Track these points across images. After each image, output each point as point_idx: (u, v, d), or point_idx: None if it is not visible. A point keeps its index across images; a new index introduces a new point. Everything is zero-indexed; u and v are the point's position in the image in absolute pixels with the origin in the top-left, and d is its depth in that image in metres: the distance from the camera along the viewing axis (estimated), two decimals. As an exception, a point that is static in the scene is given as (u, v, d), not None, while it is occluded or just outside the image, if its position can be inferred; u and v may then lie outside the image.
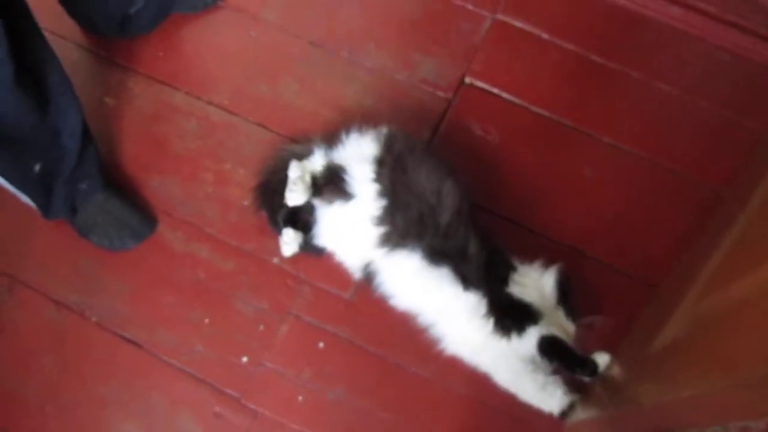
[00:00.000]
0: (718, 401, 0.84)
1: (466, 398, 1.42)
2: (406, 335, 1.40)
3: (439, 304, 1.36)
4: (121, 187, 1.55)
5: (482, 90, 1.64)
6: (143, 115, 1.63)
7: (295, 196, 1.38)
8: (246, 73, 1.66)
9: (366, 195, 1.36)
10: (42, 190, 1.43)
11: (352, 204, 1.37)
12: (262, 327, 1.46)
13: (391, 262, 1.35)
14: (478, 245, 1.35)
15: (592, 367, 1.31)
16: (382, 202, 1.35)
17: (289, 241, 1.43)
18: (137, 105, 1.64)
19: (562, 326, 1.36)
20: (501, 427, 1.42)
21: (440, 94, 1.63)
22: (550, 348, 1.31)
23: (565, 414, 1.34)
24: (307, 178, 1.40)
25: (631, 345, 1.32)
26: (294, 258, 1.47)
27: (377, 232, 1.35)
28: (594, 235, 1.54)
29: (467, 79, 1.64)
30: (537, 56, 1.67)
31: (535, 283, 1.39)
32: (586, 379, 1.34)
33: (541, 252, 1.44)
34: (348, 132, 1.43)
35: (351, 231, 1.39)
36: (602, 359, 1.32)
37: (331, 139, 1.46)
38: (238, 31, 1.70)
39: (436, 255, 1.33)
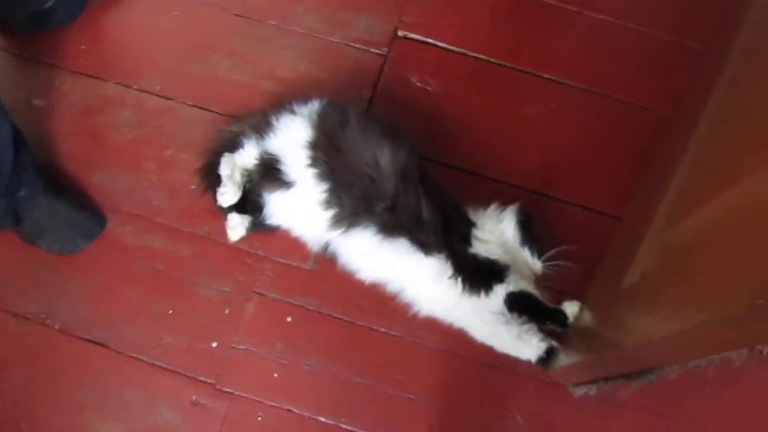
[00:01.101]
0: (696, 337, 0.83)
1: (439, 351, 1.43)
2: (372, 298, 1.41)
3: (405, 273, 1.35)
4: (63, 187, 1.50)
5: (417, 41, 1.62)
6: (75, 111, 1.58)
7: (226, 197, 1.37)
8: (175, 54, 1.62)
9: (306, 181, 1.34)
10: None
11: (294, 191, 1.35)
12: (227, 309, 1.45)
13: (347, 241, 1.34)
14: (431, 208, 1.34)
15: (561, 318, 1.33)
16: (324, 186, 1.33)
17: (234, 226, 1.43)
18: (68, 102, 1.58)
19: (529, 267, 1.38)
20: (476, 375, 1.43)
21: (375, 50, 1.61)
22: (517, 304, 1.32)
23: (543, 361, 1.36)
24: (237, 176, 1.38)
25: (602, 285, 1.33)
26: (250, 235, 1.46)
27: (326, 215, 1.34)
28: (551, 175, 1.54)
29: (400, 32, 1.62)
30: (468, 0, 1.65)
31: (496, 234, 1.39)
32: (559, 329, 1.35)
33: (500, 198, 1.44)
34: (277, 115, 1.39)
35: (300, 215, 1.38)
36: (571, 309, 1.34)
37: (273, 112, 1.42)
38: (160, 12, 1.65)
39: (389, 228, 1.32)
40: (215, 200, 1.41)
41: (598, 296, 1.32)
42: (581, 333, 1.32)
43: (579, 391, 1.38)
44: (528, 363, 1.38)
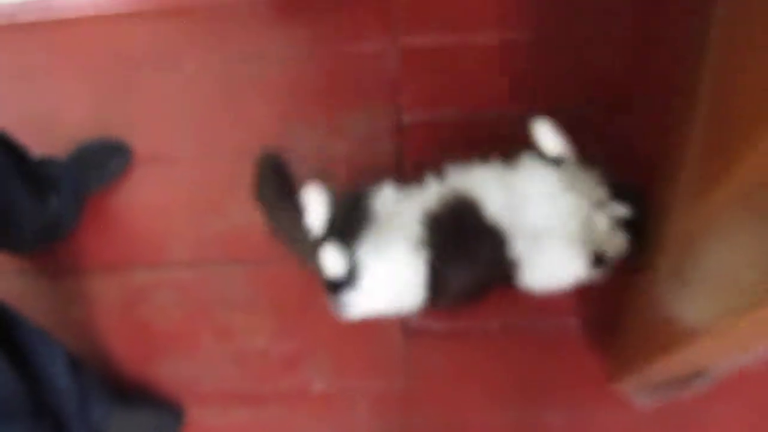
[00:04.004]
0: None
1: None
2: None
3: None
4: (131, 392, 1.45)
5: (424, 121, 1.58)
6: (115, 309, 1.52)
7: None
8: (191, 219, 1.57)
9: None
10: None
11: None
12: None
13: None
14: None
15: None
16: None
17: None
18: (104, 303, 1.53)
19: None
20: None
21: (385, 146, 1.56)
22: None
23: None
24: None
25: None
26: (330, 375, 1.40)
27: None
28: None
29: (404, 118, 1.58)
30: (454, 62, 1.62)
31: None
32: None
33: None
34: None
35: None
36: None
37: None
38: (162, 181, 1.61)
39: None
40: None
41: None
42: (638, 336, 1.24)
43: (637, 398, 1.32)
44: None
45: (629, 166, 1.30)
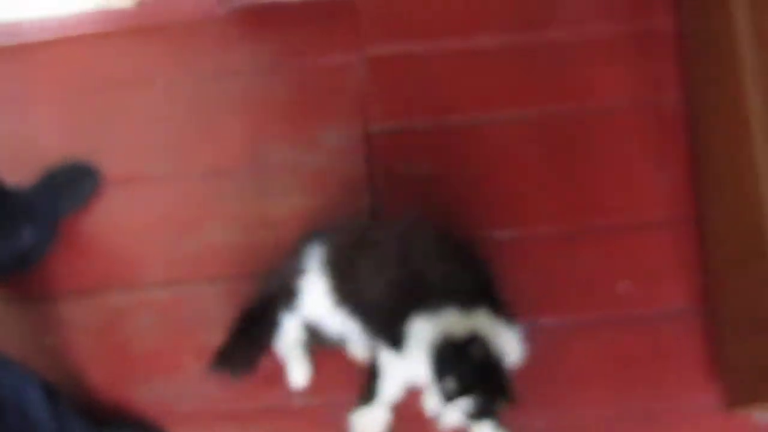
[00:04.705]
0: None
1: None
2: None
3: None
4: (111, 416, 1.43)
5: (391, 131, 1.58)
6: (91, 334, 1.51)
7: (299, 377, 1.40)
8: (165, 239, 1.56)
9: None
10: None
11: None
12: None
13: None
14: None
15: None
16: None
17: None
18: (79, 328, 1.51)
19: None
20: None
21: (355, 157, 1.57)
22: None
23: None
24: (299, 351, 1.39)
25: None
26: (312, 387, 1.40)
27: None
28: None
29: (372, 129, 1.58)
30: (422, 70, 1.63)
31: None
32: None
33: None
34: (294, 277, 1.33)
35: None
36: None
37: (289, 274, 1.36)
38: (134, 202, 1.60)
39: None
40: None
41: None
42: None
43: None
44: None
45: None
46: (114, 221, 1.59)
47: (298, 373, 1.40)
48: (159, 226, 1.57)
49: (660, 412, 1.40)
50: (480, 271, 1.29)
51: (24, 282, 1.55)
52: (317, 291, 1.30)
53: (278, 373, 1.42)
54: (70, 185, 1.59)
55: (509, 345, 1.18)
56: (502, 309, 1.22)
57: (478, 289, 1.24)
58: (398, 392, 1.31)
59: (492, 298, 1.23)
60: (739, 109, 1.24)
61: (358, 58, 1.64)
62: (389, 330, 1.22)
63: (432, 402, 1.15)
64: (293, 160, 1.58)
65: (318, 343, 1.39)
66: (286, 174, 1.57)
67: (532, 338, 1.23)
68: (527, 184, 1.55)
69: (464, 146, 1.57)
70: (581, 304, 1.47)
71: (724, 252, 1.39)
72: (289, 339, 1.38)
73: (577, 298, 1.47)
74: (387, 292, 1.23)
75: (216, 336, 1.46)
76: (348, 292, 1.27)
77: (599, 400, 1.41)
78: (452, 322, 1.15)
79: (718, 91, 1.37)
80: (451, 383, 1.11)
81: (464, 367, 1.12)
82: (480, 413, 1.14)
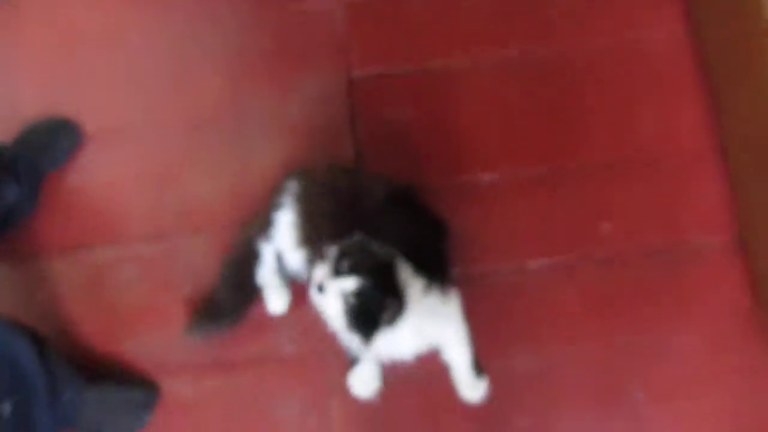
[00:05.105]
0: None
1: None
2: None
3: None
4: (102, 371, 1.43)
5: (374, 75, 1.56)
6: (79, 289, 1.50)
7: (276, 304, 1.42)
8: (149, 192, 1.55)
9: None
10: (24, 424, 1.31)
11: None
12: (315, 419, 1.39)
13: None
14: None
15: None
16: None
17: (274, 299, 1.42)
18: (67, 283, 1.51)
19: None
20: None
21: (338, 102, 1.55)
22: None
23: None
24: (276, 280, 1.40)
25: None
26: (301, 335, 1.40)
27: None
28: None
29: (354, 74, 1.56)
30: (401, 13, 1.60)
31: None
32: None
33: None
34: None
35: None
36: None
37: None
38: (116, 156, 1.58)
39: None
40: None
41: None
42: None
43: None
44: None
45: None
46: (96, 177, 1.58)
47: (276, 300, 1.43)
48: (142, 180, 1.56)
49: (644, 346, 1.41)
50: (427, 236, 1.29)
51: (10, 240, 1.54)
52: (285, 224, 1.31)
53: (267, 321, 1.43)
54: (51, 142, 1.57)
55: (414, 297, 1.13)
56: (436, 276, 1.19)
57: (417, 252, 1.18)
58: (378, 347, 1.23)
59: (430, 262, 1.20)
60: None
61: (338, 4, 1.61)
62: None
63: (321, 272, 1.10)
64: (275, 108, 1.57)
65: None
66: (268, 122, 1.56)
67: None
68: (511, 127, 1.54)
69: (447, 90, 1.55)
70: (566, 245, 1.47)
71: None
72: (266, 267, 1.39)
73: (562, 240, 1.48)
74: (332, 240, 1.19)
75: (203, 288, 1.46)
76: (308, 231, 1.29)
77: (584, 337, 1.42)
78: None
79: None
80: (345, 262, 1.08)
81: (365, 256, 1.09)
82: (364, 309, 1.08)
